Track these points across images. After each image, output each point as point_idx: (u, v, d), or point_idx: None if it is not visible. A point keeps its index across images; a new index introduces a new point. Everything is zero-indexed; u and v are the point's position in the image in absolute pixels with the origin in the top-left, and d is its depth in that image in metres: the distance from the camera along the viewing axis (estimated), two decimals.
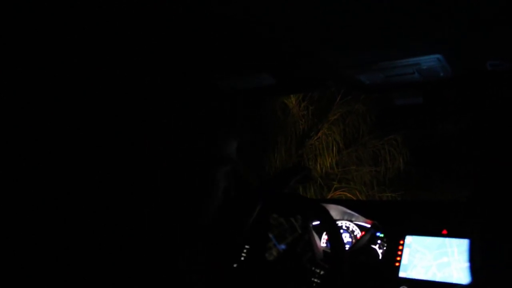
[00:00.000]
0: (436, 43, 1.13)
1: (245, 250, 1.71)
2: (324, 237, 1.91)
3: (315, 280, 1.50)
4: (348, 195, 5.59)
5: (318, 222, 1.97)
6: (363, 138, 6.26)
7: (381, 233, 1.80)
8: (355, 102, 5.96)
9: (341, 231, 1.91)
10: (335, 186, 5.75)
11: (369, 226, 1.86)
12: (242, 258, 1.70)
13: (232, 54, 1.36)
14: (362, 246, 1.81)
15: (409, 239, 1.66)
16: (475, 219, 0.64)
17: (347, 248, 1.83)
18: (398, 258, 1.64)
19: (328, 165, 5.78)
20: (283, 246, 1.61)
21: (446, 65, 1.20)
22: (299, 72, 1.40)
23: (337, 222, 1.93)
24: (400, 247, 1.66)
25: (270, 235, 1.66)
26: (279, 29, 1.17)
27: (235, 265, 1.72)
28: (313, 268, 1.51)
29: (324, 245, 1.90)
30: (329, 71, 1.34)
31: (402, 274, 1.60)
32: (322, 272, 1.51)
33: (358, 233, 1.89)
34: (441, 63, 1.19)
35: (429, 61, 1.18)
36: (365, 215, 1.88)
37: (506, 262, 0.57)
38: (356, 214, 1.90)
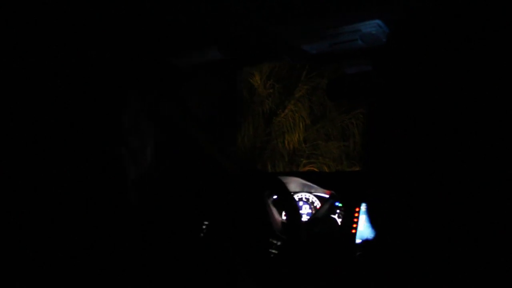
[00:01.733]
0: (373, 8, 1.14)
1: (204, 226, 1.72)
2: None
3: (273, 251, 1.52)
4: (317, 170, 5.64)
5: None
6: (330, 114, 6.27)
7: (339, 203, 1.83)
8: (321, 78, 5.96)
9: (301, 202, 1.93)
10: (303, 162, 5.80)
11: (327, 196, 1.88)
12: (202, 234, 1.70)
13: (180, 29, 1.35)
14: (321, 216, 1.83)
15: (364, 206, 1.69)
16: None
17: (307, 219, 1.86)
18: (355, 226, 1.67)
19: (296, 141, 5.82)
20: (241, 220, 1.62)
21: (387, 30, 1.21)
22: (245, 45, 1.40)
23: (297, 194, 1.95)
24: (356, 215, 1.69)
25: (229, 210, 1.67)
26: (222, 2, 1.16)
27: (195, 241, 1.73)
28: (270, 239, 1.53)
29: (285, 217, 1.92)
30: (275, 42, 1.34)
31: (358, 240, 1.63)
32: (279, 243, 1.52)
33: (317, 204, 1.92)
34: (381, 28, 1.20)
35: (369, 26, 1.19)
36: (324, 186, 1.90)
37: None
38: (315, 186, 1.91)
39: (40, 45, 1.19)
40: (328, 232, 1.77)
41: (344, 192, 1.83)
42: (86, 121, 1.09)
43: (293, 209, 1.47)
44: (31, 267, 0.76)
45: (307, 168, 5.67)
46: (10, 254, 0.78)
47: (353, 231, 1.66)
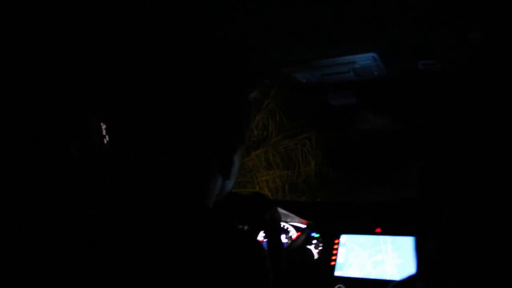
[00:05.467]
0: (371, 42, 1.14)
1: None
2: (260, 238, 1.89)
3: None
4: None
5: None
6: (272, 138, 5.50)
7: (316, 233, 1.81)
8: (264, 98, 5.25)
9: None
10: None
11: (304, 226, 1.86)
12: None
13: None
14: (297, 247, 1.81)
15: (344, 238, 1.67)
16: (427, 216, 0.65)
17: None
18: (334, 257, 1.65)
19: None
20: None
21: (381, 64, 1.22)
22: (235, 68, 1.38)
23: None
24: (336, 246, 1.67)
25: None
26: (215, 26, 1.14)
27: None
28: None
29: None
30: (266, 68, 1.32)
31: (337, 273, 1.61)
32: None
33: (293, 233, 1.89)
34: (376, 62, 1.20)
35: (364, 59, 1.19)
36: (300, 215, 1.88)
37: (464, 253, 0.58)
38: (292, 215, 1.89)
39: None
40: (305, 263, 1.74)
41: (322, 222, 1.81)
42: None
43: (277, 241, 1.43)
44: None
45: None
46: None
47: (332, 263, 1.63)
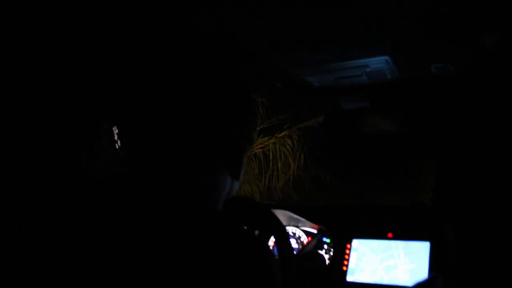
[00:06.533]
0: (384, 45, 1.14)
1: None
2: (270, 244, 1.89)
3: None
4: None
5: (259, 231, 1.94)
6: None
7: (327, 238, 1.80)
8: None
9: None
10: None
11: (315, 231, 1.85)
12: None
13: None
14: (308, 252, 1.80)
15: (356, 243, 1.66)
16: (439, 222, 0.65)
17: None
18: (346, 262, 1.64)
19: None
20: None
21: (393, 67, 1.22)
22: (248, 71, 1.38)
23: None
24: (347, 251, 1.66)
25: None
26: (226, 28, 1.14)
27: None
28: None
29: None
30: (278, 72, 1.32)
31: (349, 278, 1.60)
32: None
33: (304, 239, 1.88)
34: (389, 65, 1.20)
35: (378, 62, 1.19)
36: (312, 220, 1.87)
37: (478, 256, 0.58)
38: (303, 219, 1.88)
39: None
40: (316, 269, 1.73)
41: (333, 227, 1.80)
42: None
43: (287, 246, 1.42)
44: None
45: None
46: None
47: (344, 268, 1.62)
